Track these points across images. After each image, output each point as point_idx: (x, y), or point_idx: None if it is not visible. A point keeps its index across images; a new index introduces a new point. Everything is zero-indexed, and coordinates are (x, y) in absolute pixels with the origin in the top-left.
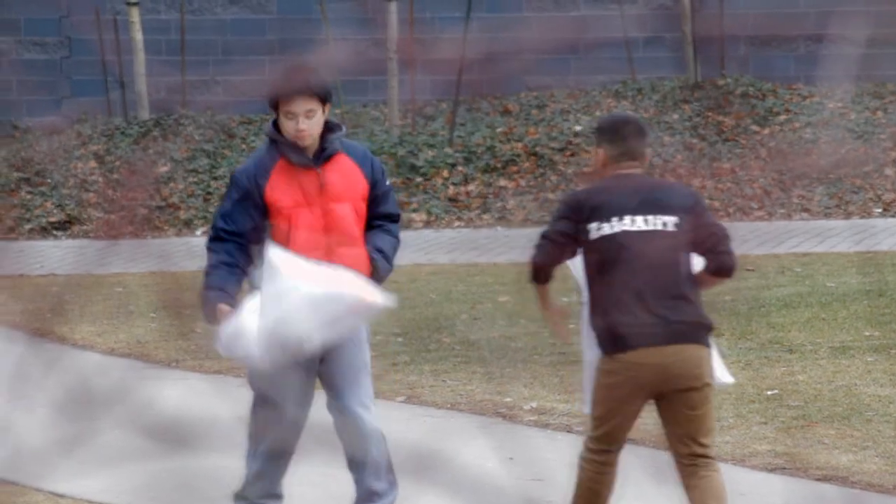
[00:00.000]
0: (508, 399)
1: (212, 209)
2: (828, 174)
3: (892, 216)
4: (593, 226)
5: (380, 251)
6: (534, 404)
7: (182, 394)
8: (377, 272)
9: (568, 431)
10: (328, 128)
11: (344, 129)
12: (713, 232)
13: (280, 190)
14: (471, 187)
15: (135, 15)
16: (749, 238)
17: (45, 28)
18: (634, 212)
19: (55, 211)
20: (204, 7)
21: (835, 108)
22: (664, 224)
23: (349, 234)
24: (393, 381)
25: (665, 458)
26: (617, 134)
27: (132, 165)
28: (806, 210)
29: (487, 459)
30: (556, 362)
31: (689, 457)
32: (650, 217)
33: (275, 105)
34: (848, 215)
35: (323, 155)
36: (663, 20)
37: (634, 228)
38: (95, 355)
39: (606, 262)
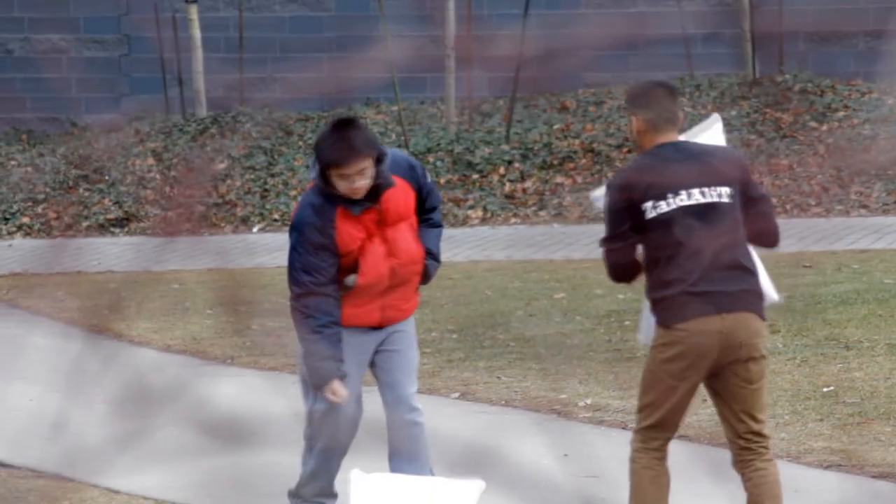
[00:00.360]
0: (563, 396)
1: (269, 206)
2: (886, 170)
3: None
4: (648, 205)
5: (430, 254)
6: (588, 401)
7: (238, 390)
8: (428, 277)
9: (623, 428)
10: (377, 159)
11: (387, 152)
12: (760, 199)
13: (347, 234)
14: (527, 184)
15: (193, 12)
16: (806, 235)
17: (104, 26)
18: (690, 186)
19: (113, 208)
20: (262, 4)
21: (894, 105)
22: (720, 195)
23: (409, 253)
24: (448, 377)
25: (722, 456)
26: (649, 98)
27: (189, 163)
28: (864, 206)
29: (542, 456)
30: (611, 359)
31: (747, 435)
32: (706, 189)
33: (326, 168)
34: None
35: (378, 192)
36: (722, 16)
37: (692, 202)
38: (152, 352)
39: (666, 239)
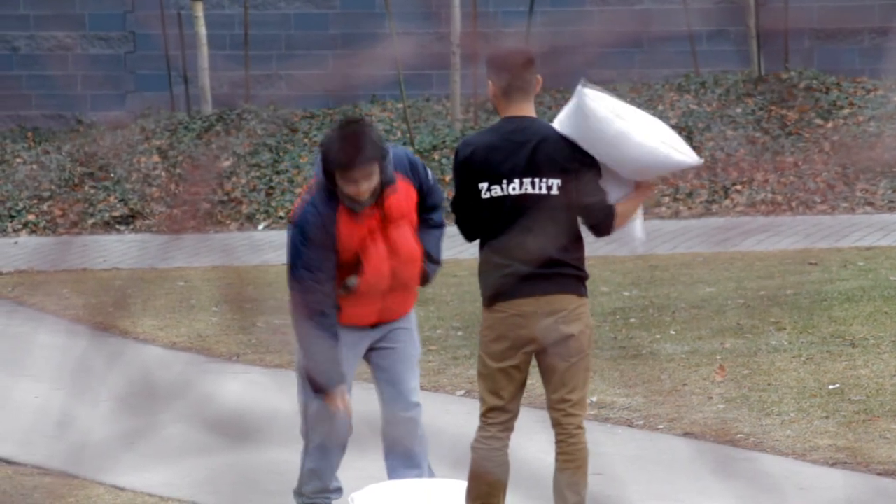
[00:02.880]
0: None
1: (274, 203)
2: (892, 167)
3: None
4: (484, 185)
5: (429, 256)
6: (593, 398)
7: (243, 388)
8: (427, 280)
9: (628, 426)
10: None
11: (388, 149)
12: (592, 192)
13: (348, 233)
14: None
15: (198, 10)
16: (812, 232)
17: (109, 23)
18: (522, 174)
19: (118, 205)
20: (267, 2)
21: None
22: (549, 187)
23: (409, 251)
24: (453, 374)
25: (728, 453)
26: (504, 64)
27: (195, 160)
28: (869, 204)
29: (548, 454)
30: (616, 356)
31: (560, 406)
32: (537, 180)
33: (332, 170)
34: None
35: (381, 191)
36: (727, 13)
37: (521, 191)
38: (157, 349)
39: (494, 223)
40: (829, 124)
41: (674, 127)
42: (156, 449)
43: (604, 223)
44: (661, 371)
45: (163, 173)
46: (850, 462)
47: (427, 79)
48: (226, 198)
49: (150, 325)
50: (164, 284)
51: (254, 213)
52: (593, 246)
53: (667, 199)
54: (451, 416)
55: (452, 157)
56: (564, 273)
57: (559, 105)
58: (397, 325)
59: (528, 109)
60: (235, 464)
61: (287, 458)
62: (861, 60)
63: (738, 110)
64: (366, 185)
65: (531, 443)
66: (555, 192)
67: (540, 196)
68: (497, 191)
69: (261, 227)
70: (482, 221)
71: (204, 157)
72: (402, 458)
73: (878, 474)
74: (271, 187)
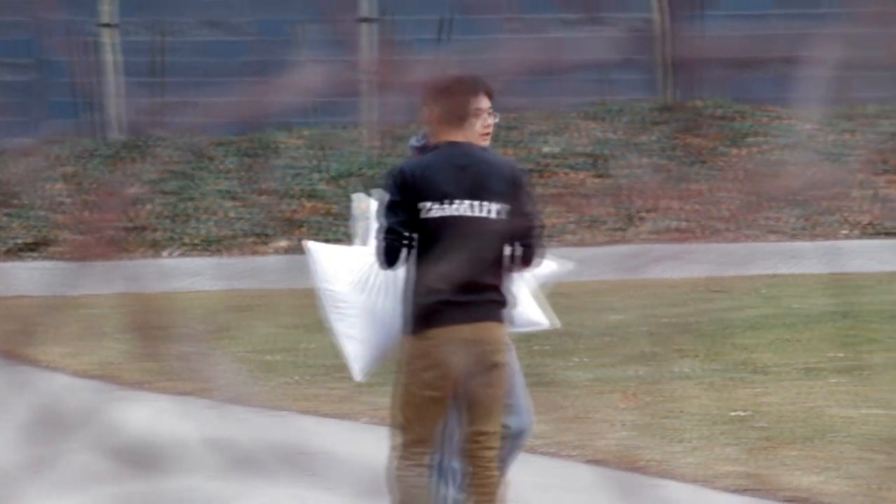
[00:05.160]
0: None
1: (179, 230)
2: (798, 196)
3: (860, 238)
4: (425, 205)
5: None
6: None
7: (150, 415)
8: None
9: (535, 452)
10: None
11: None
12: (528, 222)
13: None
14: None
15: (107, 36)
16: (719, 260)
17: (17, 49)
18: (463, 196)
19: (23, 233)
20: (182, 29)
21: (807, 130)
22: (489, 211)
23: None
24: (362, 402)
25: (633, 479)
26: (444, 92)
27: (104, 187)
28: (775, 232)
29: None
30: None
31: (478, 439)
32: (476, 203)
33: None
34: (816, 237)
35: None
36: (637, 43)
37: (462, 213)
38: (64, 377)
39: (431, 243)
40: (739, 152)
41: (582, 154)
42: (63, 477)
43: (537, 248)
44: (568, 398)
45: (70, 200)
46: (754, 489)
47: (337, 106)
48: (134, 225)
49: (58, 353)
50: (72, 312)
51: (161, 240)
52: None
53: (573, 226)
54: (358, 445)
55: (389, 179)
56: (496, 300)
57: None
58: None
59: (469, 135)
60: (143, 492)
61: (194, 486)
62: (772, 89)
63: (649, 138)
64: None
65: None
66: (493, 216)
67: (480, 219)
68: (438, 211)
69: (165, 253)
70: (419, 243)
71: (113, 184)
72: None
73: (784, 501)
74: (177, 214)
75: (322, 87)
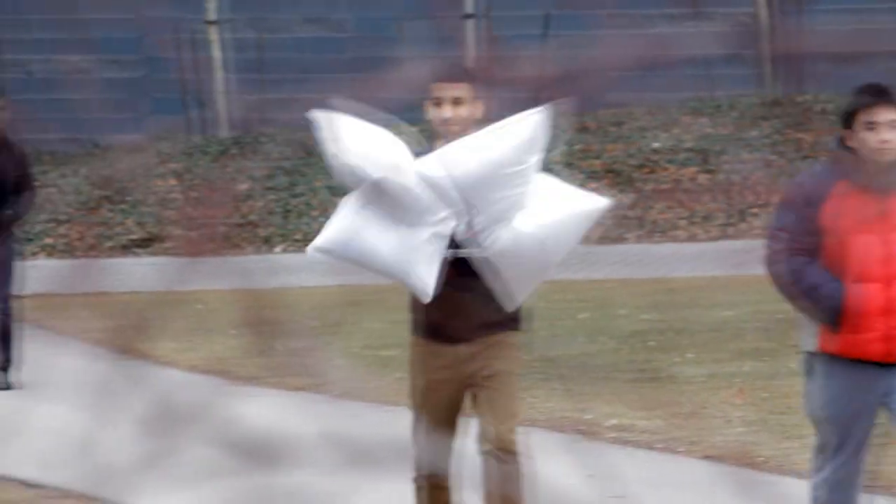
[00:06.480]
0: (589, 416)
1: (290, 226)
2: None
3: None
4: None
5: None
6: (614, 421)
7: (262, 410)
8: None
9: (649, 448)
10: None
11: None
12: None
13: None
14: None
15: (213, 33)
16: None
17: (124, 46)
18: None
19: (136, 228)
20: (281, 26)
21: None
22: None
23: None
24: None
25: (748, 475)
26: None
27: (211, 183)
28: None
29: (568, 476)
30: (636, 379)
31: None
32: None
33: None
34: None
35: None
36: (741, 37)
37: None
38: (176, 372)
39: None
40: None
41: (690, 150)
42: (176, 472)
43: None
44: (681, 394)
45: (179, 196)
46: (871, 485)
47: None
48: (243, 221)
49: (170, 348)
50: (183, 307)
51: (270, 236)
52: (613, 268)
53: (683, 222)
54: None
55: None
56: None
57: (574, 128)
58: None
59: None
60: (256, 487)
61: (308, 482)
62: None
63: (754, 133)
64: (889, 135)
65: (550, 466)
66: None
67: None
68: None
69: (277, 249)
70: None
71: (220, 181)
72: None
73: None
74: (287, 210)
75: (425, 84)
